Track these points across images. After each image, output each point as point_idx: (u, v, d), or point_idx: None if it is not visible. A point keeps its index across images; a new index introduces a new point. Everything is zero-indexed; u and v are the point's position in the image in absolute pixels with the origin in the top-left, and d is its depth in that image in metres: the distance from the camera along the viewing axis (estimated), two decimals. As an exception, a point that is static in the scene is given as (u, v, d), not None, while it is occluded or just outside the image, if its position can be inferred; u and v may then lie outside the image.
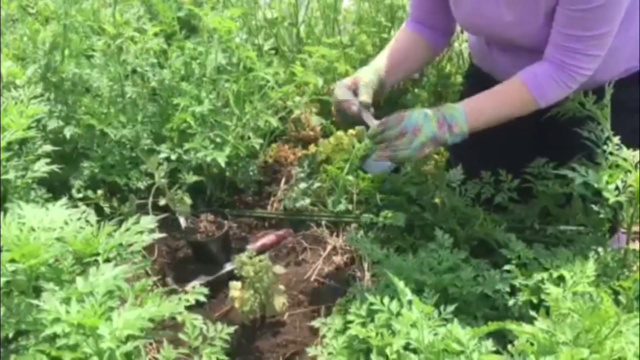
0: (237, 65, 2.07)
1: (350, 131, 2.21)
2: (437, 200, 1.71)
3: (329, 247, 1.89)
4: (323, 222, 1.96)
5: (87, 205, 1.73)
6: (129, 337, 1.02)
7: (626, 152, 1.39)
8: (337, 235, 1.92)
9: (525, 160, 1.71)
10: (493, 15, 1.61)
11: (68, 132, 1.89)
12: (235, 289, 1.59)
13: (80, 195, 1.85)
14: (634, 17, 1.58)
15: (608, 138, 1.46)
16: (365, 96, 1.62)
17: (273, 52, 2.47)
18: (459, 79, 2.43)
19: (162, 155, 1.86)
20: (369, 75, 1.66)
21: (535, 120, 1.67)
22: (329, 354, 1.22)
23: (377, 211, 1.77)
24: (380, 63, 1.73)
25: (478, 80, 1.90)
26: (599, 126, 1.49)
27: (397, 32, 1.86)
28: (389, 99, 2.52)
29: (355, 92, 1.63)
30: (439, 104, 2.36)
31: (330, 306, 1.64)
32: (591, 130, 1.49)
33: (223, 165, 1.85)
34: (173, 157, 1.87)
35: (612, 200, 1.34)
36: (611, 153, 1.43)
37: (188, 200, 1.80)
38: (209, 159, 1.84)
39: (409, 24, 1.83)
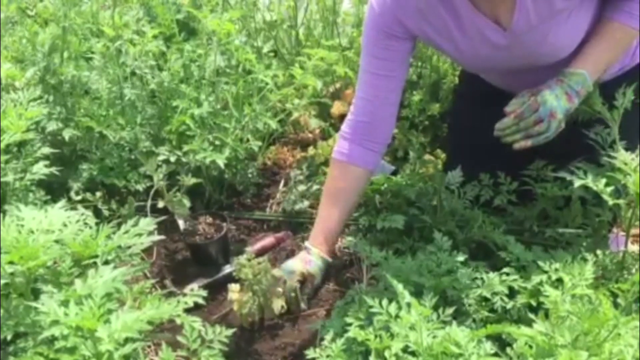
0: (236, 67, 2.07)
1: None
2: (435, 202, 1.71)
3: (327, 250, 1.89)
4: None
5: (86, 207, 1.73)
6: (127, 340, 1.02)
7: (626, 155, 1.39)
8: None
9: (526, 162, 1.71)
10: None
11: (67, 134, 1.89)
12: (234, 291, 1.58)
13: (79, 197, 1.85)
14: None
15: (614, 141, 1.46)
16: (305, 304, 1.65)
17: (272, 54, 2.48)
18: (455, 80, 2.44)
19: (161, 158, 1.86)
20: (320, 272, 1.67)
21: None
22: (328, 356, 1.22)
23: (376, 214, 1.77)
24: (324, 239, 1.69)
25: (476, 81, 1.90)
26: (606, 129, 1.49)
27: (332, 167, 1.75)
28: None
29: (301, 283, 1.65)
30: (434, 103, 2.38)
31: (329, 309, 1.64)
32: (597, 132, 1.50)
33: (222, 167, 1.85)
34: (172, 159, 1.87)
35: (610, 203, 1.34)
36: (611, 156, 1.43)
37: (187, 203, 1.80)
38: (207, 161, 1.84)
39: (344, 151, 1.71)
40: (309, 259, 1.66)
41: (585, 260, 1.34)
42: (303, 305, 1.64)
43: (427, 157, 2.18)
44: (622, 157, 1.37)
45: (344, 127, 1.74)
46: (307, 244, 1.70)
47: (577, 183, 1.36)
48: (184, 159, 1.91)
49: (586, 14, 1.52)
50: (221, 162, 1.83)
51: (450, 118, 2.18)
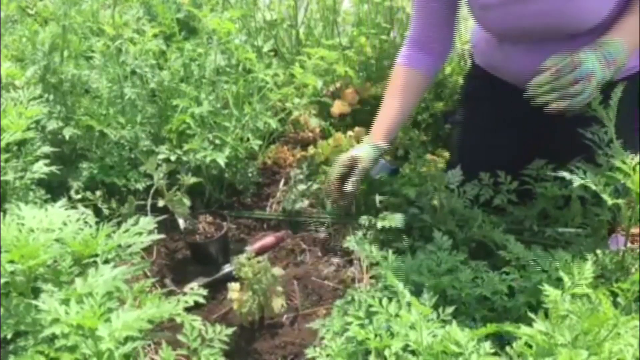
0: (237, 66, 2.07)
1: (350, 133, 2.22)
2: (435, 202, 1.71)
3: (327, 249, 1.89)
4: (322, 224, 1.97)
5: (86, 206, 1.74)
6: (127, 339, 1.02)
7: (624, 155, 1.39)
8: (336, 237, 1.92)
9: (528, 162, 1.71)
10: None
11: (67, 133, 1.89)
12: (234, 290, 1.58)
13: (79, 196, 1.85)
14: None
15: (611, 140, 1.46)
16: (351, 186, 1.66)
17: (272, 53, 2.48)
18: (459, 79, 2.44)
19: (161, 157, 1.86)
20: (368, 156, 1.71)
21: (540, 121, 1.67)
22: (328, 355, 1.22)
23: (376, 213, 1.77)
24: (380, 128, 1.79)
25: (483, 81, 1.90)
26: (602, 128, 1.49)
27: (393, 71, 1.88)
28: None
29: (350, 170, 1.69)
30: (437, 102, 2.38)
31: (329, 308, 1.64)
32: (594, 132, 1.50)
33: (222, 166, 1.85)
34: (172, 158, 1.87)
35: (610, 202, 1.34)
36: (611, 155, 1.43)
37: (187, 202, 1.80)
38: (208, 160, 1.84)
39: (404, 56, 1.86)
40: (359, 145, 1.73)
41: (585, 259, 1.34)
42: (350, 187, 1.64)
43: (428, 156, 2.18)
44: (621, 156, 1.37)
45: (405, 41, 1.89)
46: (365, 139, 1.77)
47: (577, 182, 1.36)
48: (184, 158, 1.91)
49: None
50: (221, 161, 1.84)
51: (456, 117, 2.17)
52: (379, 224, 1.64)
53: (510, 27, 1.70)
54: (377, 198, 1.84)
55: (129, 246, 1.27)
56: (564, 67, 1.46)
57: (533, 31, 1.64)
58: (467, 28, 2.42)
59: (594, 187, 1.35)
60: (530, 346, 1.05)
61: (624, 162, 1.35)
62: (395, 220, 1.62)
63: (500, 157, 1.73)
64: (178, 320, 1.18)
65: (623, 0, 1.54)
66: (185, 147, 1.88)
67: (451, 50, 1.90)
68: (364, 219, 1.77)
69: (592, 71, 1.45)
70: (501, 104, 1.81)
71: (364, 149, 1.71)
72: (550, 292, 1.16)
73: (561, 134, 1.62)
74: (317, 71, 2.17)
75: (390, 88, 1.85)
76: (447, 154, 2.20)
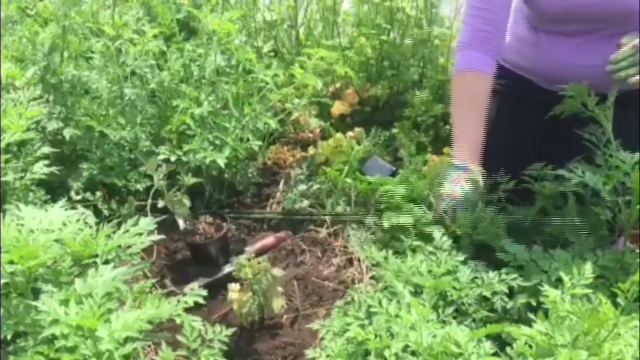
0: (236, 67, 2.07)
1: (349, 133, 2.22)
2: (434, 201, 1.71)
3: (327, 249, 1.89)
4: (322, 224, 1.97)
5: (86, 206, 1.73)
6: (127, 339, 1.02)
7: (624, 154, 1.39)
8: (336, 237, 1.92)
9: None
10: None
11: (67, 133, 1.89)
12: (234, 291, 1.58)
13: (79, 197, 1.85)
14: None
15: (609, 140, 1.46)
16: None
17: (272, 54, 2.48)
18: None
19: (161, 157, 1.86)
20: (479, 175, 1.63)
21: (547, 122, 1.67)
22: (328, 356, 1.22)
23: (375, 213, 1.77)
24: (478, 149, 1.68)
25: (508, 81, 1.90)
26: (600, 128, 1.49)
27: (459, 78, 1.76)
28: (388, 100, 2.52)
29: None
30: (437, 104, 2.38)
31: (329, 308, 1.64)
32: (592, 132, 1.50)
33: (222, 166, 1.85)
34: (172, 158, 1.87)
35: (608, 199, 1.34)
36: (610, 155, 1.43)
37: (187, 202, 1.80)
38: (208, 160, 1.84)
39: (466, 61, 1.75)
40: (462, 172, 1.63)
41: (584, 259, 1.34)
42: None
43: (429, 156, 2.18)
44: (620, 155, 1.37)
45: (460, 37, 1.78)
46: (456, 161, 1.66)
47: (575, 180, 1.36)
48: (184, 159, 1.91)
49: None
50: (221, 162, 1.83)
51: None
52: (385, 224, 1.63)
53: (567, 9, 1.70)
54: (376, 198, 1.84)
55: (129, 247, 1.27)
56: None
57: (587, 15, 1.64)
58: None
59: (592, 184, 1.35)
60: (530, 346, 1.05)
61: (622, 161, 1.35)
62: (402, 217, 1.62)
63: (524, 157, 1.72)
64: (178, 320, 1.18)
65: None
66: (185, 147, 1.88)
67: (503, 42, 1.81)
68: (369, 220, 1.76)
69: None
70: (523, 103, 1.82)
71: (473, 171, 1.63)
72: (550, 292, 1.16)
73: (568, 137, 1.62)
74: (317, 71, 2.17)
75: (456, 104, 1.74)
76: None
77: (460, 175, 1.62)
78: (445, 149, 2.23)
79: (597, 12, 1.62)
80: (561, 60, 1.70)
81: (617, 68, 1.52)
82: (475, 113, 1.69)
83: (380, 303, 1.19)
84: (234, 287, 1.59)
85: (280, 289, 1.60)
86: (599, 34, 1.65)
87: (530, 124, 1.83)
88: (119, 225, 1.28)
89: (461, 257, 1.41)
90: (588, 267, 1.22)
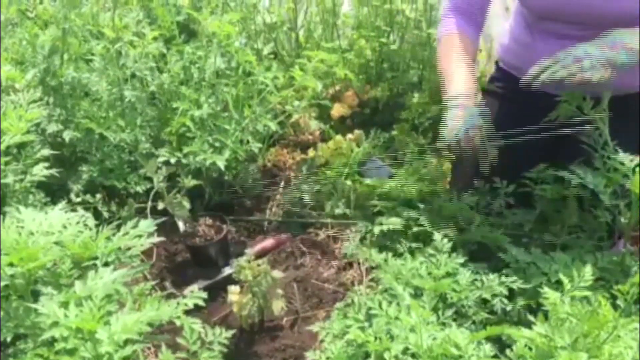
0: (236, 69, 2.07)
1: (349, 135, 2.22)
2: (433, 204, 1.71)
3: (327, 251, 1.89)
4: (322, 227, 1.97)
5: (86, 209, 1.73)
6: (127, 341, 1.02)
7: (623, 156, 1.39)
8: (336, 240, 1.92)
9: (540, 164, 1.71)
10: None
11: (67, 136, 1.89)
12: (233, 293, 1.58)
13: (79, 199, 1.85)
14: None
15: (606, 142, 1.47)
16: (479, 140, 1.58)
17: (272, 56, 2.48)
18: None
19: (161, 159, 1.86)
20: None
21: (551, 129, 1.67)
22: (328, 358, 1.22)
23: (374, 216, 1.77)
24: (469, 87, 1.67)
25: (507, 83, 1.90)
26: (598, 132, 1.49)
27: (445, 39, 1.79)
28: (387, 103, 2.52)
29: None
30: (435, 105, 2.37)
31: (329, 310, 1.64)
32: (589, 135, 1.50)
33: (222, 169, 1.85)
34: (172, 160, 1.87)
35: (607, 202, 1.34)
36: (609, 157, 1.43)
37: (187, 204, 1.80)
38: (208, 162, 1.84)
39: (453, 24, 1.78)
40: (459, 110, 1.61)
41: (584, 262, 1.34)
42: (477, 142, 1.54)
43: (427, 157, 2.17)
44: (620, 158, 1.38)
45: (443, 11, 1.83)
46: (450, 102, 1.64)
47: (575, 182, 1.36)
48: (184, 161, 1.91)
49: None
50: (221, 164, 1.84)
51: None
52: (376, 230, 1.63)
53: (554, 6, 1.70)
54: (375, 201, 1.84)
55: (129, 249, 1.27)
56: (559, 54, 1.48)
57: (575, 16, 1.65)
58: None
59: (591, 187, 1.36)
60: (530, 349, 1.05)
61: (622, 164, 1.35)
62: (394, 222, 1.62)
63: (524, 159, 1.71)
64: (178, 323, 1.18)
65: None
66: (185, 149, 1.88)
67: (485, 17, 1.85)
68: (360, 226, 1.77)
69: (589, 52, 1.46)
70: (522, 106, 1.82)
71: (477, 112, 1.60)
72: (550, 294, 1.16)
73: (573, 143, 1.62)
74: (317, 74, 2.17)
75: (452, 53, 1.74)
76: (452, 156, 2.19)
77: (458, 112, 1.61)
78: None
79: (585, 12, 1.61)
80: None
81: (537, 72, 1.49)
82: (465, 63, 1.70)
83: (380, 305, 1.19)
84: (233, 289, 1.59)
85: (280, 291, 1.60)
86: (593, 38, 1.64)
87: (531, 125, 1.83)
88: (118, 227, 1.28)
89: (461, 260, 1.41)
90: (588, 270, 1.22)
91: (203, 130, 1.94)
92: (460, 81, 1.67)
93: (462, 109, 1.61)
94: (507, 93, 1.94)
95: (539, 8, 1.77)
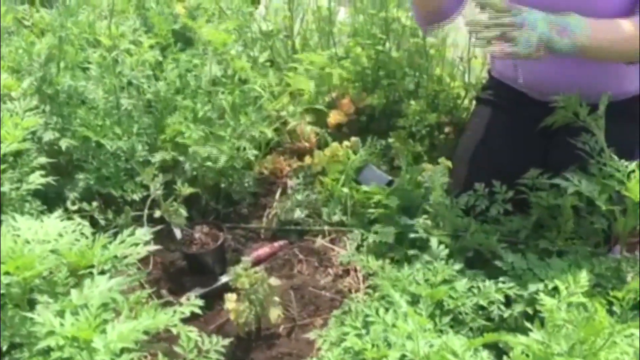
0: (232, 77, 2.08)
1: (345, 143, 2.22)
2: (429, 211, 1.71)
3: (324, 259, 1.89)
4: (318, 234, 1.97)
5: (82, 217, 1.73)
6: (123, 350, 1.01)
7: (619, 163, 1.39)
8: (333, 247, 1.92)
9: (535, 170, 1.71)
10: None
11: (63, 144, 1.88)
12: (230, 301, 1.58)
13: (75, 207, 1.84)
14: None
15: (602, 149, 1.47)
16: None
17: (268, 64, 2.48)
18: (455, 89, 2.44)
19: (158, 158, 1.85)
20: None
21: (545, 133, 1.67)
22: (325, 365, 1.22)
23: (369, 224, 1.77)
24: None
25: (498, 91, 1.90)
26: (593, 137, 1.50)
27: None
28: (384, 110, 2.53)
29: None
30: (432, 113, 2.38)
31: (326, 318, 1.63)
32: (585, 141, 1.51)
33: (221, 161, 1.84)
34: (168, 157, 1.86)
35: (604, 208, 1.34)
36: (605, 164, 1.44)
37: (183, 212, 1.80)
38: (204, 170, 1.84)
39: None
40: None
41: (581, 268, 1.34)
42: None
43: (425, 165, 2.18)
44: (615, 164, 1.38)
45: None
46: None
47: (571, 189, 1.37)
48: (180, 159, 1.90)
49: None
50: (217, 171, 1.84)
51: (472, 125, 2.14)
52: (371, 239, 1.63)
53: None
54: (370, 210, 1.84)
55: (125, 257, 1.27)
56: (514, 7, 1.45)
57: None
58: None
59: (587, 194, 1.36)
60: (527, 355, 1.05)
61: (617, 170, 1.36)
62: (386, 234, 1.62)
63: (513, 167, 1.71)
64: (174, 331, 1.18)
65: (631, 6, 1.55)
66: (180, 140, 1.87)
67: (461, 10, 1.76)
68: (356, 234, 1.76)
69: (532, 22, 1.43)
70: (515, 114, 1.82)
71: None
72: (547, 301, 1.17)
73: (566, 147, 1.62)
74: (310, 76, 2.18)
75: None
76: (448, 163, 2.19)
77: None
78: (441, 160, 2.24)
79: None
80: (549, 71, 1.70)
81: (476, 29, 1.46)
82: None
83: (377, 312, 1.19)
84: (230, 297, 1.59)
85: (277, 298, 1.60)
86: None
87: (524, 134, 1.84)
88: (115, 235, 1.28)
89: (458, 266, 1.41)
90: (583, 275, 1.23)
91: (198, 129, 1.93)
92: None
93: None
94: (499, 101, 1.95)
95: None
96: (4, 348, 1.09)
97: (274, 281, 1.61)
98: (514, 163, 1.69)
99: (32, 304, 1.14)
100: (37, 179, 1.63)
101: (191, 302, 1.25)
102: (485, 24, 1.44)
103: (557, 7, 1.51)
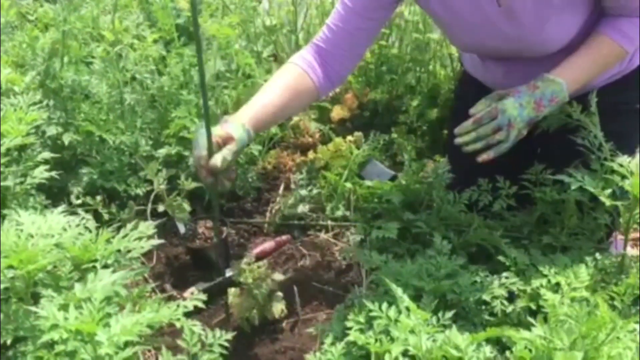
0: (236, 72, 2.08)
1: (349, 138, 2.22)
2: (431, 206, 1.71)
3: (327, 254, 1.89)
4: (322, 229, 1.97)
5: (86, 211, 1.74)
6: (127, 344, 1.02)
7: (621, 158, 1.39)
8: (336, 242, 1.92)
9: (525, 167, 1.71)
10: (496, 37, 1.58)
11: (67, 138, 1.89)
12: (234, 295, 1.59)
13: (79, 201, 1.85)
14: None
15: (601, 144, 1.47)
16: (220, 163, 1.41)
17: (272, 58, 2.48)
18: (451, 86, 2.44)
19: (162, 152, 1.85)
20: (242, 141, 1.46)
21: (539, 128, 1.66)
22: (328, 360, 1.22)
23: (372, 219, 1.76)
24: (254, 114, 1.52)
25: (470, 86, 1.90)
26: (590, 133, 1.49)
27: (287, 66, 1.63)
28: (387, 105, 2.53)
29: (220, 147, 1.46)
30: (432, 108, 2.38)
31: (329, 312, 1.64)
32: (584, 136, 1.50)
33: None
34: (173, 152, 1.86)
35: (608, 204, 1.34)
36: (606, 159, 1.44)
37: (187, 207, 1.80)
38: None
39: (306, 60, 1.61)
40: (231, 121, 1.49)
41: (583, 263, 1.34)
42: (218, 163, 1.40)
43: (426, 161, 2.18)
44: (619, 159, 1.38)
45: (311, 44, 1.66)
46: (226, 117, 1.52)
47: (574, 185, 1.37)
48: (184, 153, 1.90)
49: (579, 17, 1.53)
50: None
51: (449, 120, 2.17)
52: (373, 235, 1.63)
53: (477, 48, 1.72)
54: (373, 205, 1.84)
55: (129, 251, 1.27)
56: (484, 116, 1.50)
57: (499, 53, 1.66)
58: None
59: (591, 190, 1.36)
60: (529, 350, 1.05)
61: (620, 165, 1.35)
62: (389, 230, 1.62)
63: (500, 162, 1.72)
64: (178, 325, 1.18)
65: (589, 23, 1.55)
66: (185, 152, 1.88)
67: (344, 76, 1.70)
68: (359, 229, 1.76)
69: (513, 119, 1.48)
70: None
71: (239, 131, 1.46)
72: (549, 296, 1.17)
73: (554, 139, 1.62)
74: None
75: (279, 82, 1.59)
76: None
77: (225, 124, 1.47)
78: (437, 157, 2.24)
79: (507, 49, 1.62)
80: (502, 77, 1.71)
81: (463, 141, 1.53)
82: (282, 104, 1.56)
83: (380, 307, 1.19)
84: (234, 291, 1.59)
85: (280, 293, 1.60)
86: (524, 60, 1.65)
87: None
88: (118, 229, 1.28)
89: (461, 261, 1.41)
90: (583, 271, 1.23)
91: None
92: (257, 112, 1.53)
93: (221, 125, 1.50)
94: (473, 96, 1.94)
95: (459, 45, 1.80)
96: (8, 342, 1.10)
97: (277, 276, 1.62)
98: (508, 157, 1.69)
99: (36, 298, 1.14)
100: (40, 174, 1.64)
101: (194, 296, 1.26)
102: (472, 138, 1.52)
103: (511, 48, 1.57)
